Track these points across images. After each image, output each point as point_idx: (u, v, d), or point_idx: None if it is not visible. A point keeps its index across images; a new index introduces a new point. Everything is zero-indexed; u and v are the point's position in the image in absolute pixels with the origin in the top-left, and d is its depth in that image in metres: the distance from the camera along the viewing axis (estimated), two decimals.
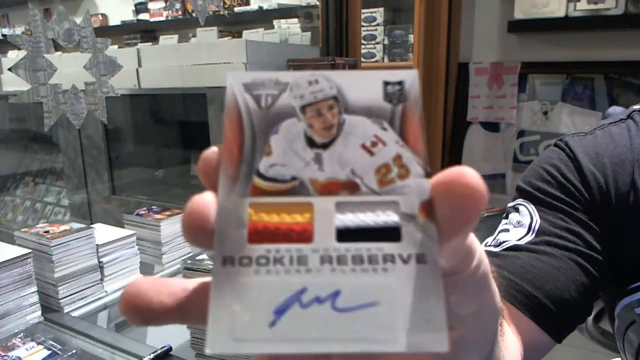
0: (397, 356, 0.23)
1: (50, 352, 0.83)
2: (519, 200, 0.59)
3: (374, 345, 0.16)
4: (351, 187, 0.18)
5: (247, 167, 0.19)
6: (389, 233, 0.18)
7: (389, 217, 0.18)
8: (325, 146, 0.19)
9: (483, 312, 0.24)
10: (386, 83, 0.19)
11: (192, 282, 0.19)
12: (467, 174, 0.17)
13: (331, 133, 0.19)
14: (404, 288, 0.17)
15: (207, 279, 0.18)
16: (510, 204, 0.60)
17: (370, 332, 0.16)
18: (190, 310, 0.18)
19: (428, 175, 0.18)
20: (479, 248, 0.21)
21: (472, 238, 0.20)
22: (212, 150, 0.19)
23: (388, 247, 0.17)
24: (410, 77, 0.19)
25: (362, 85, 0.19)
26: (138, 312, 0.18)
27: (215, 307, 0.16)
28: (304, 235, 0.18)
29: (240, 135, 0.19)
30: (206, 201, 0.18)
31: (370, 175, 0.18)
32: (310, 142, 0.19)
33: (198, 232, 0.18)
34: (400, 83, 0.19)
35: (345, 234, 0.18)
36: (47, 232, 0.99)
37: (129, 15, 3.09)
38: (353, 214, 0.18)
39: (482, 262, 0.21)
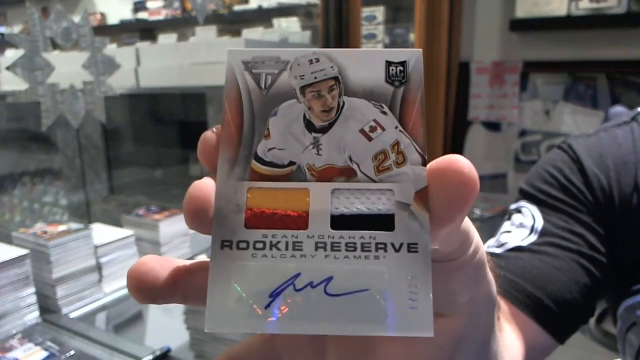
0: (402, 345, 0.23)
1: (48, 353, 0.82)
2: (522, 202, 0.58)
3: (362, 329, 0.17)
4: (348, 173, 0.18)
5: (245, 151, 0.19)
6: (383, 221, 0.18)
7: (383, 205, 0.18)
8: (324, 130, 0.19)
9: (479, 301, 0.24)
10: (389, 63, 0.19)
11: (194, 263, 0.19)
12: (459, 161, 0.17)
13: (330, 116, 0.19)
14: (394, 276, 0.17)
15: (207, 260, 0.18)
16: (513, 206, 0.60)
17: (359, 316, 0.17)
18: (192, 291, 0.19)
19: (425, 162, 0.18)
20: (476, 235, 0.21)
21: (469, 225, 0.20)
22: (211, 132, 0.19)
23: (381, 236, 0.18)
24: (414, 57, 0.19)
25: (365, 65, 0.19)
26: (144, 289, 0.18)
27: (214, 289, 0.17)
28: (299, 221, 0.18)
29: (239, 118, 0.19)
30: (207, 186, 0.18)
31: (367, 162, 0.18)
32: (309, 126, 0.19)
33: (199, 216, 0.18)
34: (403, 64, 0.19)
35: (340, 221, 0.18)
36: (45, 232, 0.99)
37: (127, 14, 3.08)
38: (348, 201, 0.18)
39: (478, 249, 0.22)
